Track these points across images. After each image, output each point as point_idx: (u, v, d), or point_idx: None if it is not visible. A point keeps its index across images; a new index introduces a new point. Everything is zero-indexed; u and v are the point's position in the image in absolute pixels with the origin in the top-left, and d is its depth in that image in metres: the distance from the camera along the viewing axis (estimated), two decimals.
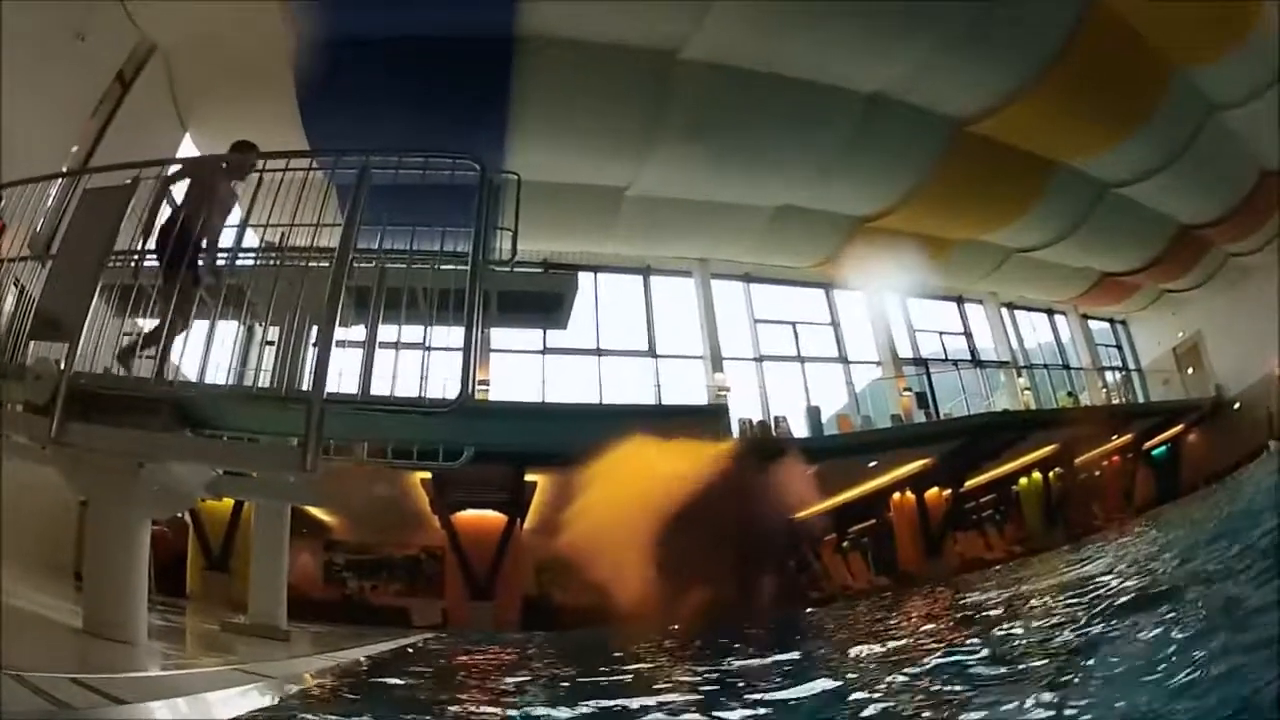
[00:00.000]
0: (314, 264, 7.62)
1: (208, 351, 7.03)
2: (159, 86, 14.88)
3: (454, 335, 6.87)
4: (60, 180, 8.12)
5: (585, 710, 5.91)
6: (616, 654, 11.24)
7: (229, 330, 8.37)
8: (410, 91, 14.58)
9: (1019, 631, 8.17)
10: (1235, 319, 32.63)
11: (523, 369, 22.23)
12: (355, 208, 6.98)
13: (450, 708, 6.26)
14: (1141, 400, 34.26)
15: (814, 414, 24.32)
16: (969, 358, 30.81)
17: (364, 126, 13.73)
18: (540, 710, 6.20)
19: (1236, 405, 32.17)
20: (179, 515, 15.66)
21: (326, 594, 18.71)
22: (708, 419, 19.79)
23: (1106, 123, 21.03)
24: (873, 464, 23.38)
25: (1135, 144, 21.90)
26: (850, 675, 7.48)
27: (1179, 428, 32.36)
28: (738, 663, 9.68)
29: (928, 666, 6.94)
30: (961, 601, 13.70)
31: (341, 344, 7.07)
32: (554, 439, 16.64)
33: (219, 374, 7.63)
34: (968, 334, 31.39)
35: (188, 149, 15.41)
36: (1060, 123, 20.48)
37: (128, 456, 6.14)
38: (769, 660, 9.69)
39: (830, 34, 16.13)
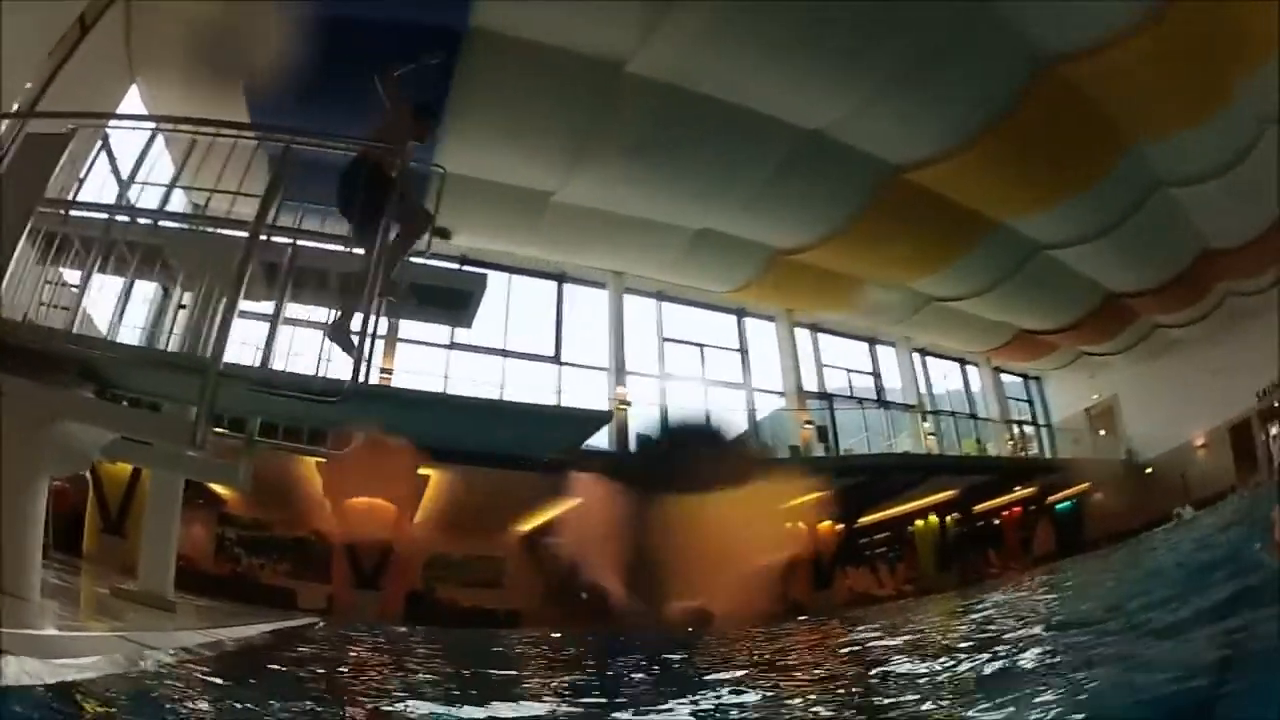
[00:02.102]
0: (232, 233, 7.88)
1: (123, 309, 7.78)
2: (116, 34, 14.83)
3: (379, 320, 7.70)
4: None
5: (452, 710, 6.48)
6: (494, 656, 12.22)
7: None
8: (351, 74, 15.05)
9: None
10: (1155, 387, 34.97)
11: (428, 362, 22.65)
12: (274, 184, 7.34)
13: (323, 695, 6.65)
14: (1049, 456, 36.07)
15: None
16: (875, 397, 32.03)
17: (303, 104, 14.14)
18: (415, 706, 6.62)
19: (1149, 470, 34.29)
20: (81, 474, 15.80)
21: (218, 568, 18.95)
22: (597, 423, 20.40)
23: (1045, 186, 21.91)
24: None
25: (1073, 209, 22.90)
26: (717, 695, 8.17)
27: (1085, 485, 34.04)
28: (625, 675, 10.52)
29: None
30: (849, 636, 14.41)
31: (245, 315, 7.64)
32: (445, 432, 18.08)
33: (133, 334, 8.32)
34: (876, 374, 32.80)
35: (132, 101, 15.44)
36: (997, 180, 21.36)
37: (31, 410, 6.38)
38: (643, 674, 10.63)
39: (777, 66, 16.76)
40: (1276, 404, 31.23)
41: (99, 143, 8.61)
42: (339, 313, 7.95)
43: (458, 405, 18.23)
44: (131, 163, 9.26)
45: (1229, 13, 16.55)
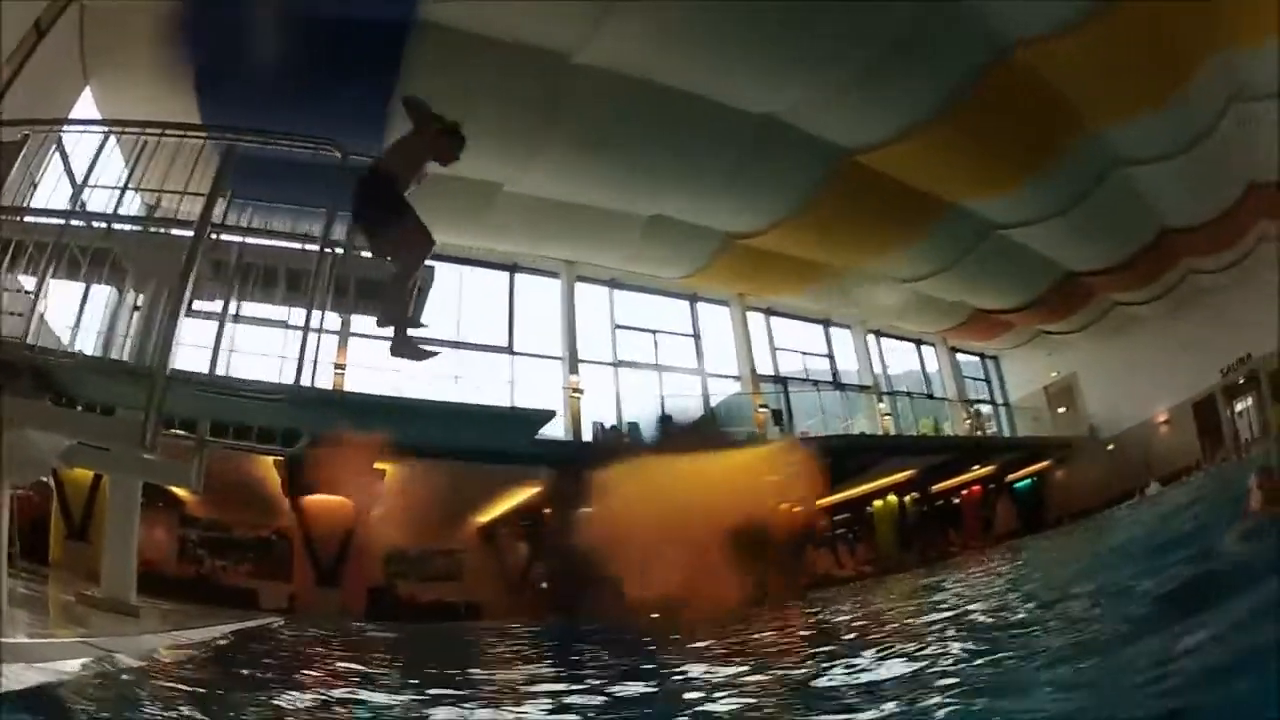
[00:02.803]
0: (182, 234, 8.02)
1: (79, 314, 7.86)
2: (71, 38, 14.83)
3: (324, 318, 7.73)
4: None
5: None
6: (457, 652, 12.36)
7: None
8: (300, 69, 14.93)
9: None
10: (1115, 365, 35.71)
11: (380, 356, 23.27)
12: (217, 182, 7.57)
13: (287, 693, 6.67)
14: (1008, 434, 36.79)
15: (666, 422, 25.77)
16: (830, 379, 32.71)
17: (254, 100, 14.41)
18: (377, 700, 6.84)
19: (1110, 447, 35.05)
20: (45, 482, 16.17)
21: (180, 571, 19.06)
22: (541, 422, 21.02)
23: (1001, 168, 22.36)
24: None
25: (1029, 190, 23.34)
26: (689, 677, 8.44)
27: (1046, 464, 35.10)
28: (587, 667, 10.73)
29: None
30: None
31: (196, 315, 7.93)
32: (394, 433, 17.67)
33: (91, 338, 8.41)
34: (831, 356, 33.53)
35: (85, 105, 15.56)
36: (952, 163, 21.76)
37: None
38: (616, 662, 10.73)
39: (727, 54, 17.02)
40: (1241, 380, 32.09)
41: (53, 147, 8.74)
42: (392, 328, 8.06)
43: (403, 408, 18.87)
44: (85, 165, 9.35)
45: (1182, 6, 16.89)
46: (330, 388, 20.15)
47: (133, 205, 9.21)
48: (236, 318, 8.30)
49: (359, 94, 16.02)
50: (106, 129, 8.87)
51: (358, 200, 7.94)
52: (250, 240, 9.01)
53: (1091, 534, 21.50)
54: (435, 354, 7.98)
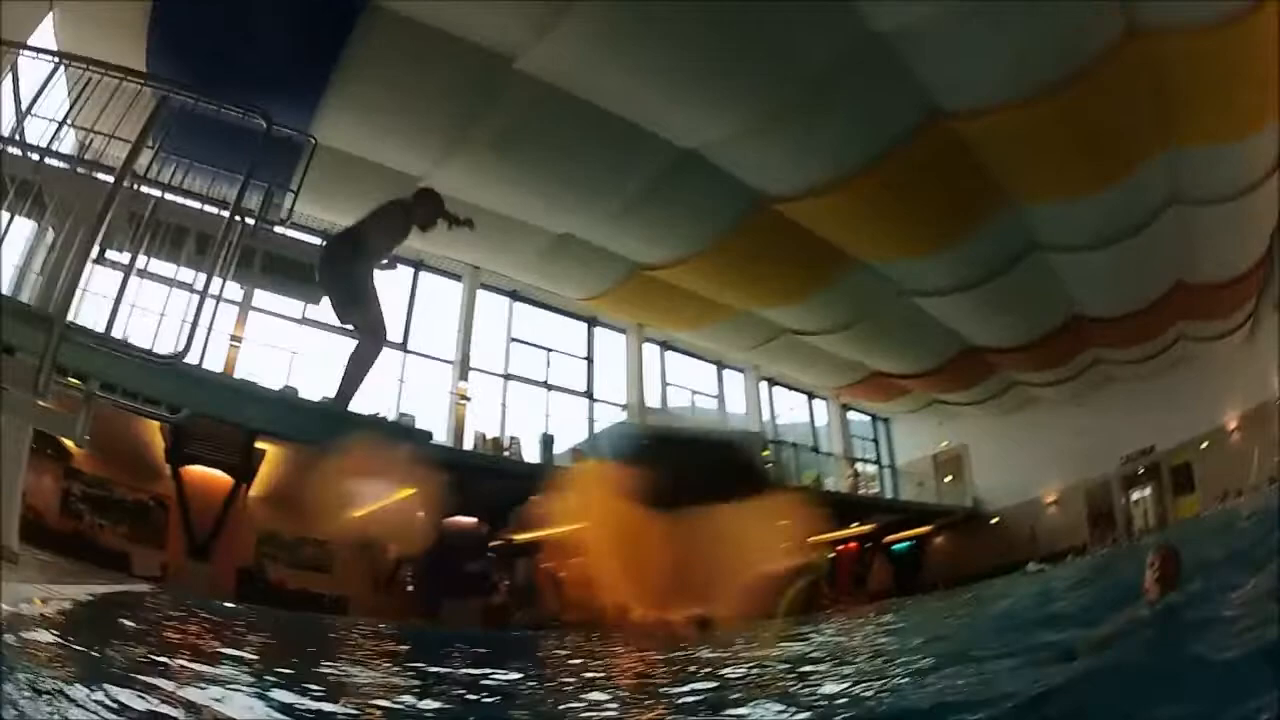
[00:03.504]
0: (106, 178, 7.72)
1: None
2: None
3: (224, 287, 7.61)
4: None
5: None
6: (315, 644, 12.50)
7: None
8: (246, 32, 14.92)
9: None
10: (1007, 441, 37.04)
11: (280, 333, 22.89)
12: (145, 131, 7.52)
13: (140, 663, 6.56)
14: (891, 496, 37.94)
15: (547, 442, 26.34)
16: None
17: (196, 58, 14.55)
18: (233, 691, 6.48)
19: (995, 520, 36.47)
20: None
21: (61, 524, 18.50)
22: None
23: (915, 235, 22.87)
24: None
25: (941, 261, 23.97)
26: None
27: (927, 529, 36.17)
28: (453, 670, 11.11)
29: None
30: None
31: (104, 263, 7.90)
32: (270, 424, 18.30)
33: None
34: (720, 398, 34.38)
35: (45, 32, 14.95)
36: (868, 223, 22.22)
37: None
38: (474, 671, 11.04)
39: (663, 83, 17.26)
40: (1141, 470, 33.34)
41: (8, 68, 8.74)
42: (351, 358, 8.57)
43: (282, 402, 18.50)
44: (33, 92, 9.39)
45: (1142, 96, 17.72)
46: (224, 360, 20.46)
47: (68, 141, 9.09)
48: (143, 273, 8.12)
49: (299, 69, 16.20)
50: (55, 59, 8.76)
51: (327, 262, 8.55)
52: (169, 196, 9.10)
53: (960, 603, 22.08)
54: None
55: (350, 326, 8.57)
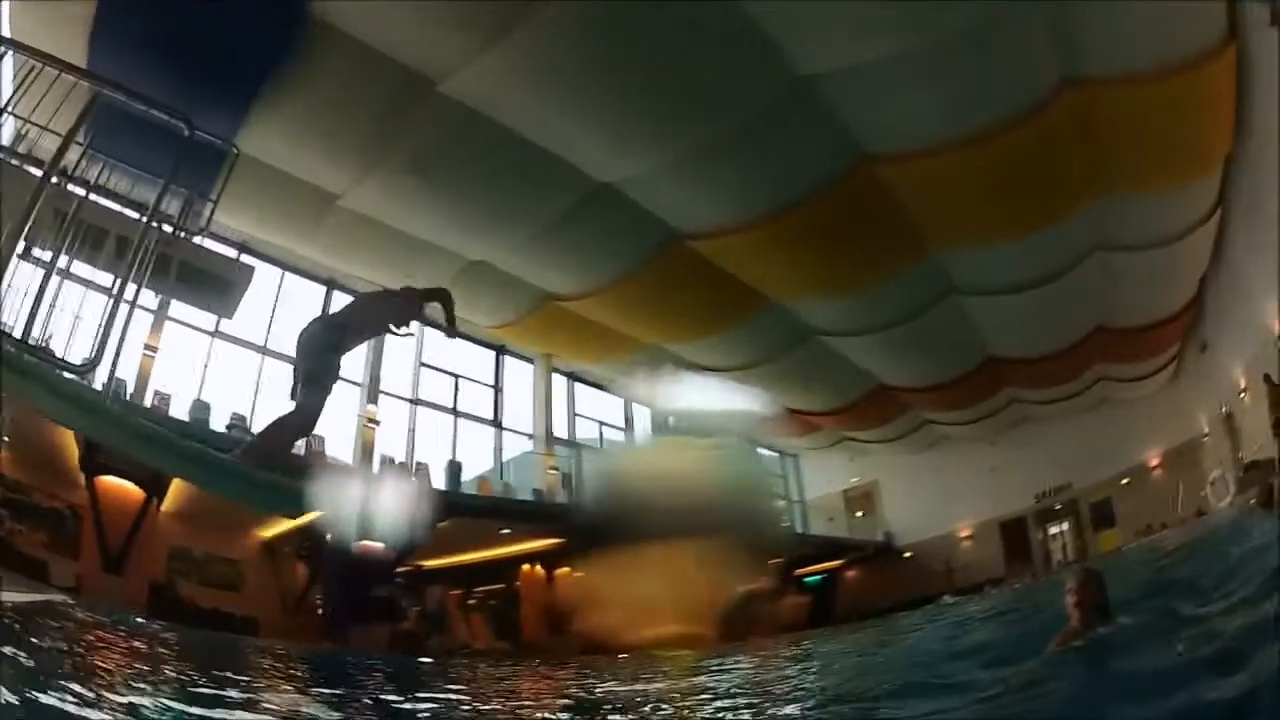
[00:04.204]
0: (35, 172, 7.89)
1: None
2: None
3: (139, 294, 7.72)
4: None
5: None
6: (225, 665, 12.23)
7: None
8: (183, 35, 14.80)
9: None
10: (920, 477, 38.59)
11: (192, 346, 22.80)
12: (75, 127, 7.66)
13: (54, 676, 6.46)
14: (800, 530, 38.59)
15: (454, 469, 26.68)
16: None
17: (138, 58, 14.16)
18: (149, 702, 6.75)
19: (907, 554, 38.07)
20: None
21: None
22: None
23: (829, 278, 23.40)
24: (506, 531, 25.71)
25: (855, 303, 24.56)
26: None
27: (838, 562, 37.35)
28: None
29: None
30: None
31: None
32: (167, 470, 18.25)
33: None
34: (629, 429, 34.96)
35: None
36: (782, 264, 22.70)
37: None
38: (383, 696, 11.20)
39: (585, 116, 17.53)
40: (1058, 506, 34.40)
41: None
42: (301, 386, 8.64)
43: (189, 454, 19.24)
44: None
45: (1073, 145, 18.26)
46: (137, 369, 20.60)
47: (6, 129, 9.37)
48: (66, 274, 8.32)
49: (232, 72, 16.10)
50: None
51: (308, 343, 8.66)
52: (94, 197, 9.13)
53: (871, 634, 22.45)
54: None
55: (296, 398, 8.81)
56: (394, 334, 9.89)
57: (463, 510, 24.71)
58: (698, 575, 17.81)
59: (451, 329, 10.41)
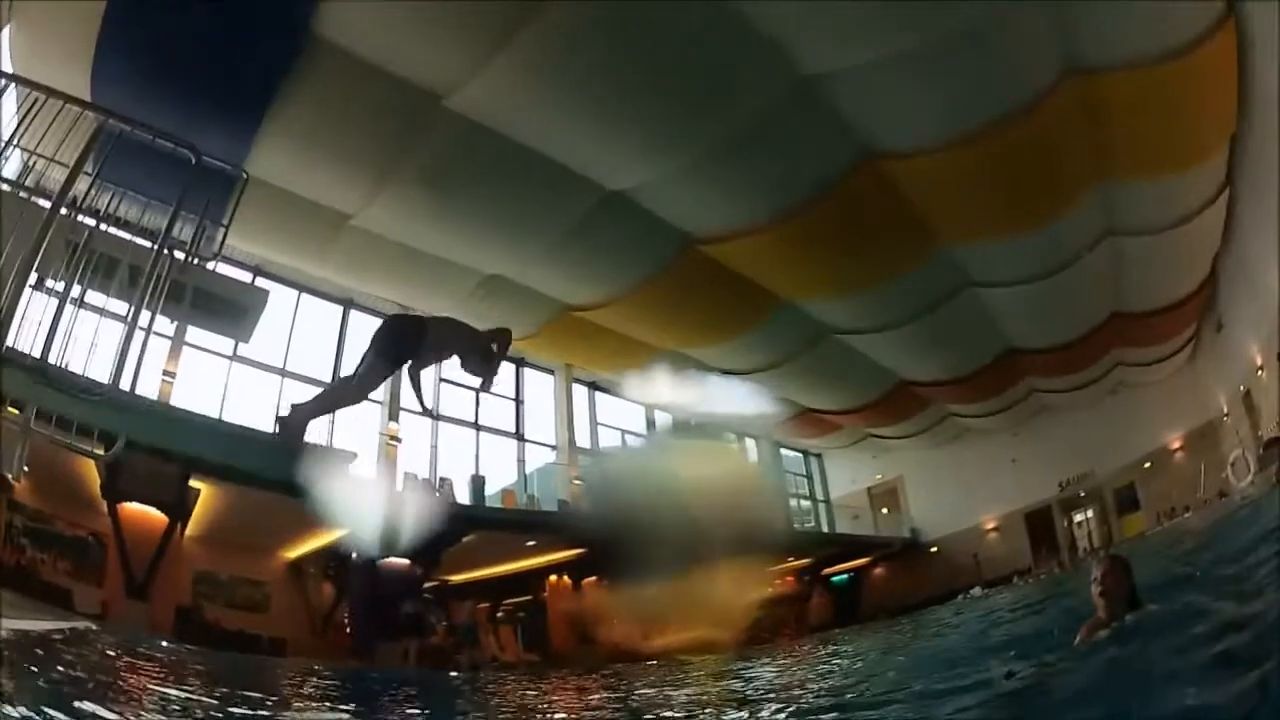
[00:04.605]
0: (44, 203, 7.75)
1: None
2: None
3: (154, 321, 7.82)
4: None
5: None
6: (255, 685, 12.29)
7: None
8: (186, 61, 14.95)
9: None
10: (943, 471, 38.71)
11: (211, 371, 22.93)
12: (83, 157, 7.62)
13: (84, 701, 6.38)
14: (827, 530, 38.94)
15: (479, 483, 26.69)
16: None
17: (142, 86, 14.54)
18: None
19: (934, 549, 38.19)
20: None
21: (4, 556, 18.36)
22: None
23: (844, 276, 23.41)
24: (532, 543, 25.76)
25: (871, 300, 24.56)
26: None
27: (865, 560, 37.66)
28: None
29: None
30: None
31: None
32: (201, 451, 18.57)
33: None
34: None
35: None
36: (796, 264, 22.69)
37: None
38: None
39: (593, 125, 17.49)
40: (1082, 494, 34.40)
41: None
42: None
43: (207, 427, 19.16)
44: None
45: (1079, 135, 18.22)
46: (156, 395, 20.44)
47: (13, 162, 9.25)
48: (80, 303, 8.17)
49: (237, 102, 16.17)
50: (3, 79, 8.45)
51: (389, 332, 9.00)
52: (105, 227, 9.09)
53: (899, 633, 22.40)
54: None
55: (360, 373, 8.97)
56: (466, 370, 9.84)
57: (489, 524, 24.97)
58: (721, 580, 17.76)
59: (489, 377, 10.11)
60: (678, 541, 16.42)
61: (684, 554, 16.93)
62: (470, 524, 23.88)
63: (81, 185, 8.29)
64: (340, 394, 9.38)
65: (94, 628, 15.18)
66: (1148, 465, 35.11)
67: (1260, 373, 25.46)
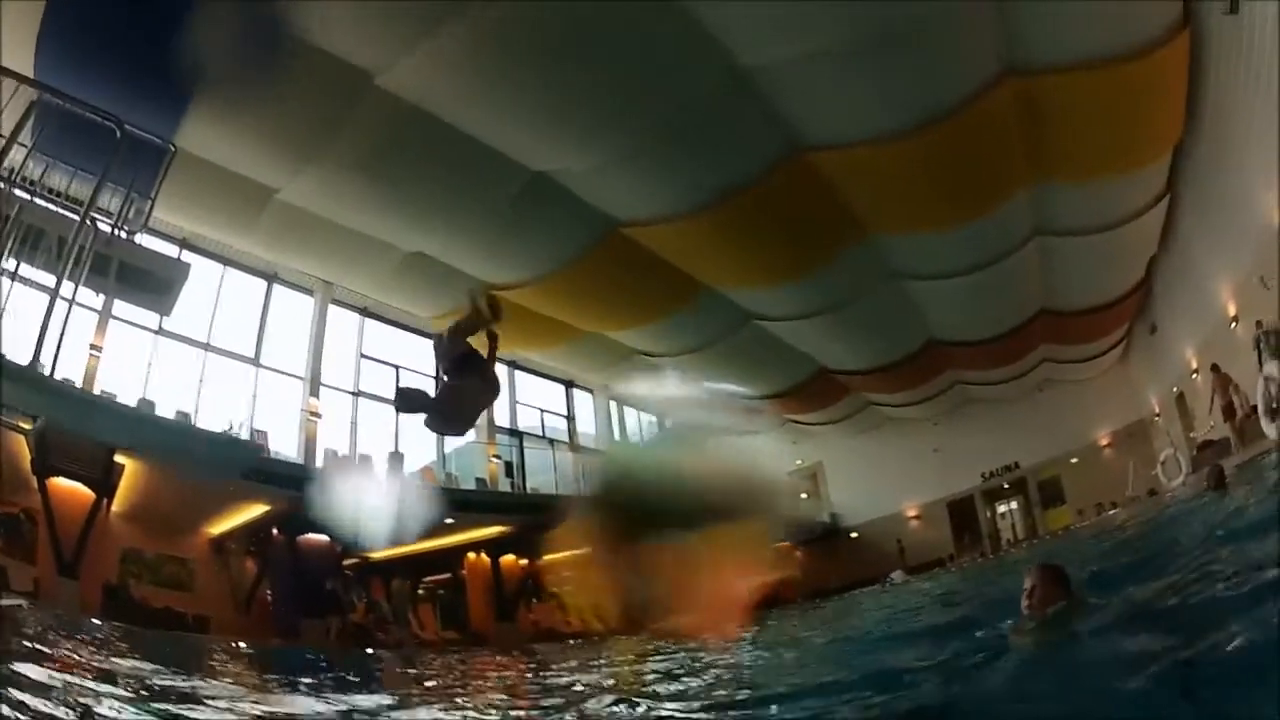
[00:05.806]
0: None
1: None
2: None
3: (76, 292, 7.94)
4: None
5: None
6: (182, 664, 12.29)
7: None
8: (123, 35, 13.55)
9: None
10: (865, 458, 39.59)
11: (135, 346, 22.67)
12: (15, 132, 7.97)
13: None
14: None
15: (397, 460, 26.68)
16: (567, 440, 34.94)
17: (83, 61, 13.24)
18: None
19: (854, 535, 39.18)
20: None
21: None
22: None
23: (768, 265, 23.76)
24: (450, 521, 25.56)
25: (795, 289, 24.92)
26: None
27: (784, 544, 36.63)
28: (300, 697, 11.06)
29: None
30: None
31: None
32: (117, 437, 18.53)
33: None
34: (570, 417, 35.90)
35: None
36: (720, 251, 22.95)
37: None
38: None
39: (522, 108, 17.46)
40: (1006, 485, 35.36)
41: None
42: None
43: (126, 416, 19.31)
44: None
45: (1014, 135, 18.61)
46: (83, 369, 20.47)
47: None
48: (14, 276, 8.56)
49: (168, 72, 14.42)
50: None
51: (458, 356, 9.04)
52: (36, 200, 9.36)
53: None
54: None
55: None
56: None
57: (477, 507, 26.27)
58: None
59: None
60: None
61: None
62: (457, 507, 24.77)
63: (17, 157, 8.73)
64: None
65: (25, 605, 15.48)
66: (1075, 460, 36.18)
67: (1195, 376, 26.35)
